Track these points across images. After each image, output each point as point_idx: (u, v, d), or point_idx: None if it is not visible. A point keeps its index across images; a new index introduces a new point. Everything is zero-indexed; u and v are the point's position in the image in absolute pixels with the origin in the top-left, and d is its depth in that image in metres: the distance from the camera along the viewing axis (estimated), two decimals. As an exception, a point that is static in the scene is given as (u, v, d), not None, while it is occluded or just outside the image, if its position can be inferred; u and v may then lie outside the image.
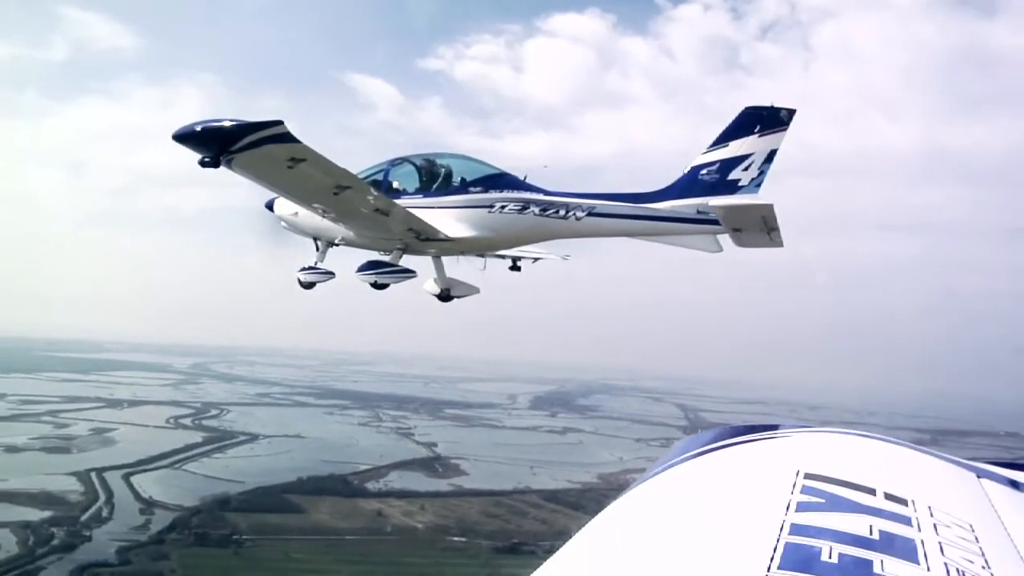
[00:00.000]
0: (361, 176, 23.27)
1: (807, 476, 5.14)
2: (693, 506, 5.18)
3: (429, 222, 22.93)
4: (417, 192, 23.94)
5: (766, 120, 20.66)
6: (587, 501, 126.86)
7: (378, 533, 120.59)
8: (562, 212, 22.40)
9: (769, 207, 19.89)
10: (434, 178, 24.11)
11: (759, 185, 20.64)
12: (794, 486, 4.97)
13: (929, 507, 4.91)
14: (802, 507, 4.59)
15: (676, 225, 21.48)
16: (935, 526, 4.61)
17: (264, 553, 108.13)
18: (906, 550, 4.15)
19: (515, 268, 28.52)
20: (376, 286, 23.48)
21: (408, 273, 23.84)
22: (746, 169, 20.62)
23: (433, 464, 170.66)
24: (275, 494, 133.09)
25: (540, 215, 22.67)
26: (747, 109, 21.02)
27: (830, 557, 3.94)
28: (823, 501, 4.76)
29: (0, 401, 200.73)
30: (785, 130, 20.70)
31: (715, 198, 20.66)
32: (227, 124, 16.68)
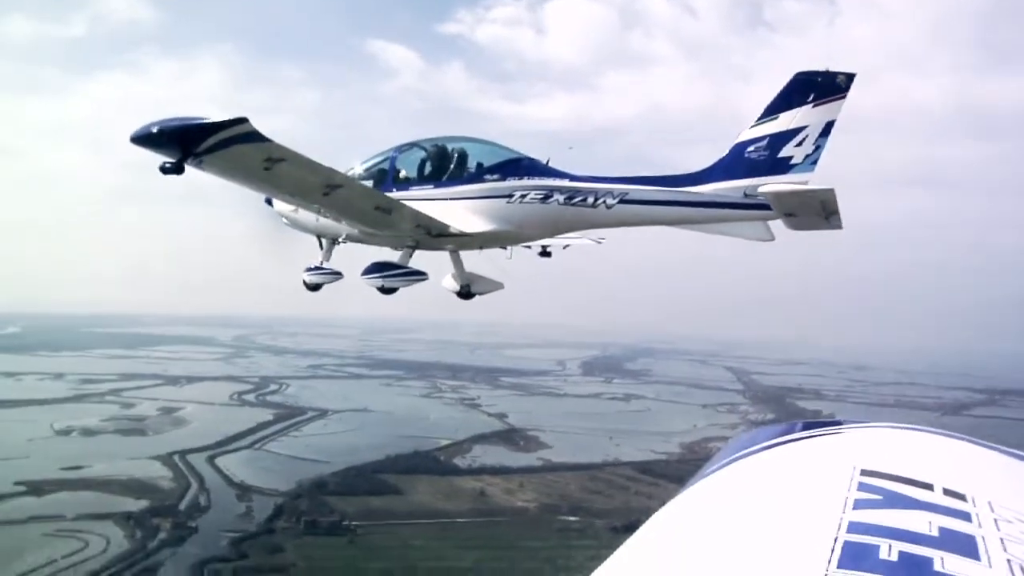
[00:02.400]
0: (366, 165, 22.45)
1: (864, 473, 5.12)
2: (752, 504, 5.14)
3: (440, 216, 20.88)
4: (427, 181, 21.91)
5: (821, 87, 18.05)
6: (681, 472, 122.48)
7: (487, 514, 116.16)
8: (591, 200, 20.07)
9: (830, 192, 17.07)
10: (446, 165, 21.98)
11: (815, 163, 18.07)
12: (851, 483, 4.95)
13: (989, 502, 4.83)
14: (860, 504, 4.59)
15: (720, 211, 18.98)
16: (996, 521, 4.55)
17: (380, 540, 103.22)
18: (967, 546, 4.14)
19: (545, 254, 26.32)
20: (383, 291, 21.51)
21: (418, 275, 21.62)
22: (799, 144, 18.10)
23: (512, 437, 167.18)
24: (368, 474, 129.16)
25: (566, 204, 20.33)
26: (799, 75, 18.35)
27: (889, 555, 3.96)
28: (881, 498, 4.74)
29: (60, 381, 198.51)
30: (843, 98, 18.01)
31: (766, 180, 18.10)
32: (186, 124, 14.90)
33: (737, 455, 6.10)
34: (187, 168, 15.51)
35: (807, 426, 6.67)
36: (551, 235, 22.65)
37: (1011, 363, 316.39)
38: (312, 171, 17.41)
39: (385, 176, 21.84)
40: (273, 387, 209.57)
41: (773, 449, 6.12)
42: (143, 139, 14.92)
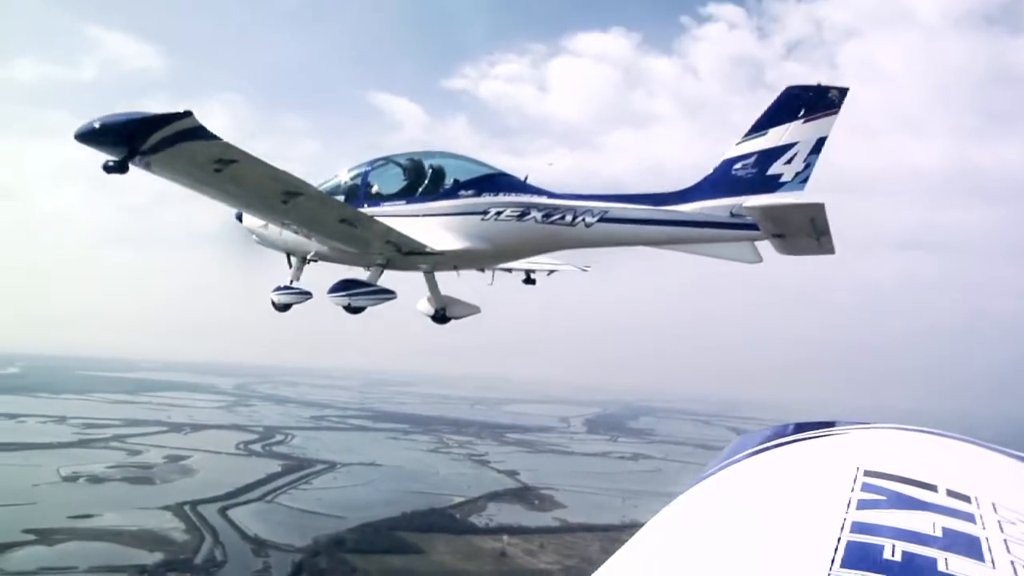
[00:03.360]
0: (335, 180, 21.62)
1: (867, 473, 5.07)
2: (753, 505, 5.09)
3: (412, 233, 20.12)
4: (399, 197, 21.15)
5: (812, 102, 17.38)
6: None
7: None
8: (569, 218, 19.41)
9: (819, 207, 16.52)
10: (419, 181, 21.23)
11: (805, 180, 17.40)
12: (854, 483, 4.90)
13: (993, 504, 4.80)
14: (863, 505, 4.56)
15: (705, 231, 18.27)
16: (1000, 523, 4.53)
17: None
18: (971, 547, 4.13)
19: (529, 281, 25.76)
20: (350, 309, 20.55)
21: (387, 294, 20.78)
22: (789, 161, 17.41)
23: (526, 495, 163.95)
24: (385, 532, 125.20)
25: (543, 222, 19.64)
26: (789, 89, 17.72)
27: (893, 555, 3.95)
28: (884, 498, 4.71)
29: (63, 425, 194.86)
30: (835, 113, 17.37)
31: (751, 197, 17.32)
32: (128, 118, 14.32)
33: (737, 456, 5.93)
34: (132, 168, 14.78)
35: (804, 427, 6.43)
36: (529, 254, 21.75)
37: (1017, 428, 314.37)
38: (268, 175, 16.50)
39: (357, 191, 21.04)
40: (279, 437, 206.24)
41: (774, 450, 5.98)
42: (86, 136, 14.26)
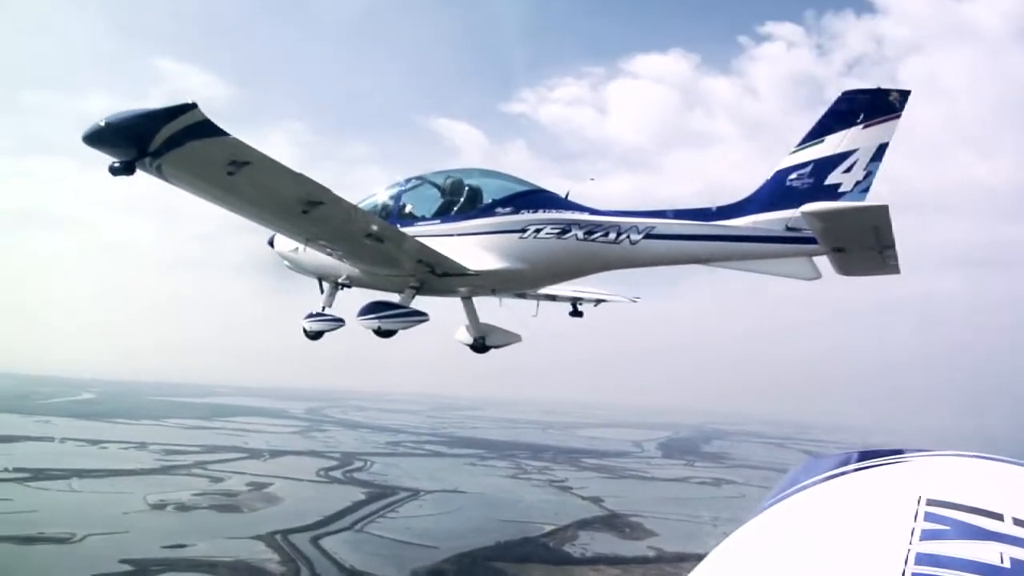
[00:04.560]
0: (369, 200, 20.79)
1: (930, 503, 5.01)
2: (816, 536, 5.04)
3: (446, 252, 19.22)
4: (434, 216, 20.37)
5: (872, 106, 16.22)
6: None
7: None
8: (613, 235, 18.56)
9: (883, 210, 14.95)
10: (454, 199, 20.37)
11: (866, 191, 16.30)
12: (917, 513, 4.86)
13: None
14: (927, 535, 4.52)
15: (759, 246, 17.25)
16: None
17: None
18: None
19: (576, 313, 25.26)
20: (380, 333, 19.79)
21: (419, 316, 19.96)
22: (848, 170, 16.37)
23: (615, 523, 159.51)
24: (482, 562, 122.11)
25: (585, 239, 18.84)
26: (846, 94, 16.71)
27: None
28: (948, 528, 4.65)
29: (144, 451, 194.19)
30: (897, 118, 16.20)
31: (809, 204, 15.84)
32: (131, 114, 13.49)
33: (798, 486, 5.85)
34: (140, 171, 14.19)
35: (867, 455, 6.31)
36: (570, 276, 20.76)
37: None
38: (285, 180, 15.37)
39: (390, 212, 20.35)
40: (357, 464, 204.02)
41: (835, 479, 5.89)
42: (93, 137, 13.59)
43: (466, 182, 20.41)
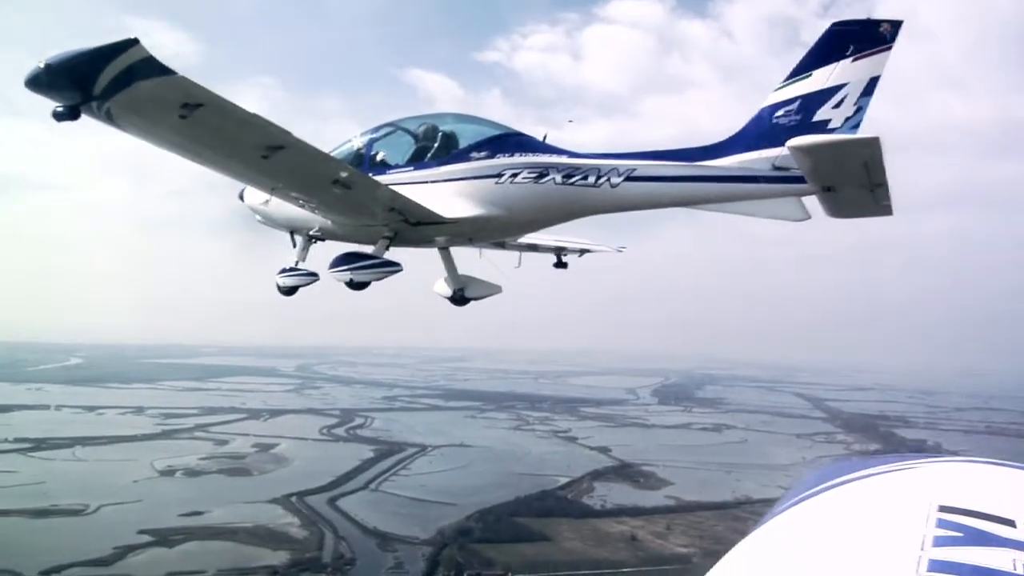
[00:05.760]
0: (342, 148, 19.63)
1: (942, 509, 5.07)
2: (828, 541, 5.14)
3: (419, 200, 18.10)
4: (407, 163, 19.32)
5: (861, 38, 14.97)
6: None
7: (654, 562, 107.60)
8: (592, 178, 17.32)
9: (873, 142, 13.67)
10: (427, 145, 19.35)
11: (857, 126, 14.95)
12: (929, 520, 4.91)
13: None
14: (939, 542, 4.55)
15: (746, 187, 16.02)
16: None
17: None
18: None
19: (560, 265, 24.59)
20: (352, 285, 18.69)
21: (391, 267, 18.82)
22: (837, 106, 15.12)
23: (628, 473, 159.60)
24: (506, 519, 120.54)
25: (564, 183, 17.62)
26: (834, 25, 15.51)
27: None
28: (960, 535, 4.69)
29: (143, 416, 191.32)
30: (888, 50, 14.96)
31: (795, 138, 14.44)
32: (71, 54, 12.32)
33: (811, 491, 5.99)
34: (84, 115, 13.08)
35: (877, 461, 6.46)
36: (549, 222, 19.67)
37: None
38: (241, 122, 14.12)
39: (362, 159, 19.43)
40: (358, 420, 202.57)
41: (847, 485, 6.00)
42: (34, 81, 12.61)
43: (440, 127, 19.48)
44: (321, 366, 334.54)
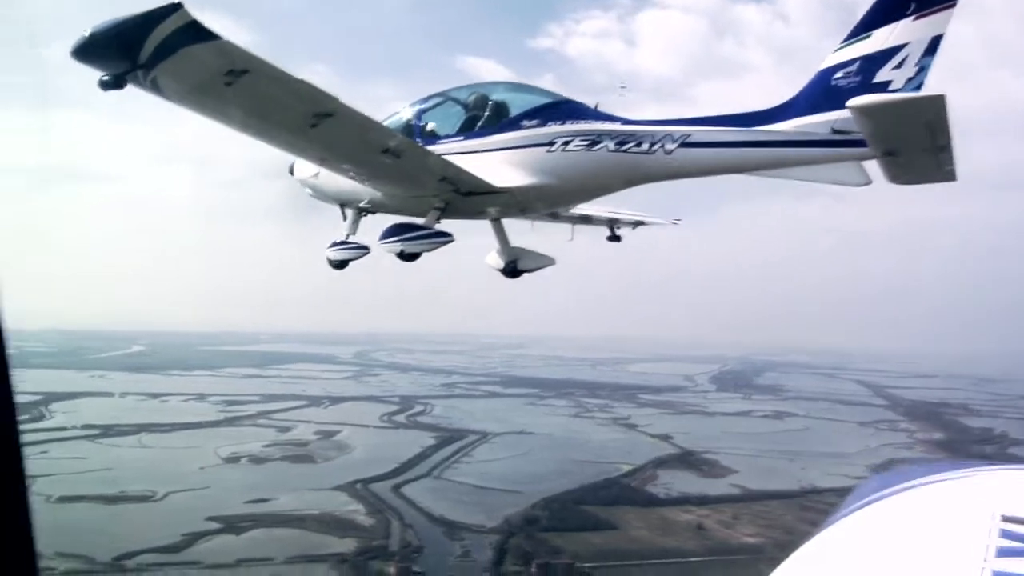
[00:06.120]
0: (391, 119, 19.31)
1: (1005, 519, 4.97)
2: (888, 552, 5.05)
3: (470, 169, 17.71)
4: (457, 133, 18.95)
5: None
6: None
7: (723, 552, 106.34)
8: (646, 145, 16.89)
9: (938, 100, 12.81)
10: (478, 114, 18.95)
11: (919, 87, 14.21)
12: (992, 530, 4.82)
13: None
14: (1003, 552, 4.46)
15: (804, 151, 15.62)
16: None
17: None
18: None
19: (614, 238, 24.03)
20: (404, 256, 18.46)
21: (443, 237, 18.42)
22: (899, 66, 14.44)
23: (691, 461, 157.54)
24: (572, 507, 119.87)
25: (617, 150, 17.22)
26: None
27: None
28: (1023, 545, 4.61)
29: (205, 403, 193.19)
30: (952, 6, 14.13)
31: (855, 99, 13.63)
32: (118, 20, 12.30)
33: (870, 499, 5.91)
34: (132, 84, 12.99)
35: (939, 469, 6.30)
36: (602, 191, 19.36)
37: None
38: (288, 89, 14.02)
39: (412, 130, 19.20)
40: (418, 408, 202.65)
41: (910, 492, 5.91)
42: (80, 51, 12.54)
43: (490, 96, 19.39)
44: (378, 353, 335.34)
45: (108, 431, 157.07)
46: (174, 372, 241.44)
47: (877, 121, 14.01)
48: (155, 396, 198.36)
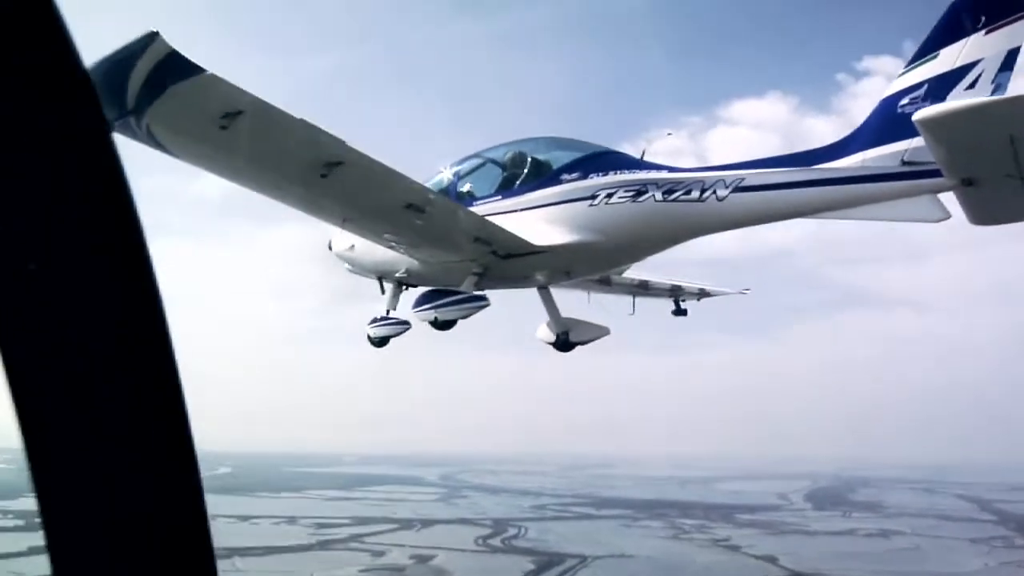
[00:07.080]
0: (429, 183, 18.33)
1: None
2: None
3: (507, 227, 17.22)
4: (495, 194, 18.47)
5: (994, 5, 13.17)
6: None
7: None
8: (696, 192, 15.81)
9: (1020, 102, 11.97)
10: (517, 173, 18.43)
11: None
12: None
13: None
14: None
15: (872, 187, 14.29)
16: None
17: None
18: None
19: (679, 312, 22.45)
20: (437, 325, 17.68)
21: (478, 301, 17.73)
22: (972, 86, 13.29)
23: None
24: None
25: (664, 200, 16.25)
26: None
27: None
28: None
29: (296, 525, 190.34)
30: None
31: (921, 111, 12.88)
32: (99, 62, 10.19)
33: None
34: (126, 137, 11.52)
35: None
36: (652, 246, 18.25)
37: None
38: (289, 132, 12.69)
39: (447, 194, 18.44)
40: (512, 530, 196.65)
41: None
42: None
43: (528, 153, 18.74)
44: (464, 474, 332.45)
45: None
46: (262, 494, 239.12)
47: (950, 136, 12.76)
48: (245, 519, 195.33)
